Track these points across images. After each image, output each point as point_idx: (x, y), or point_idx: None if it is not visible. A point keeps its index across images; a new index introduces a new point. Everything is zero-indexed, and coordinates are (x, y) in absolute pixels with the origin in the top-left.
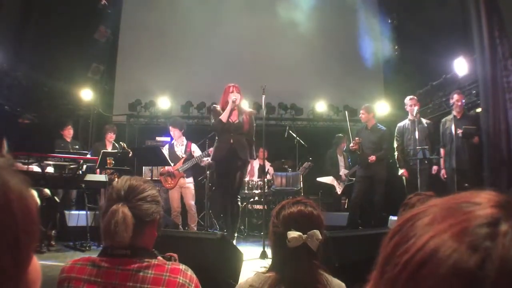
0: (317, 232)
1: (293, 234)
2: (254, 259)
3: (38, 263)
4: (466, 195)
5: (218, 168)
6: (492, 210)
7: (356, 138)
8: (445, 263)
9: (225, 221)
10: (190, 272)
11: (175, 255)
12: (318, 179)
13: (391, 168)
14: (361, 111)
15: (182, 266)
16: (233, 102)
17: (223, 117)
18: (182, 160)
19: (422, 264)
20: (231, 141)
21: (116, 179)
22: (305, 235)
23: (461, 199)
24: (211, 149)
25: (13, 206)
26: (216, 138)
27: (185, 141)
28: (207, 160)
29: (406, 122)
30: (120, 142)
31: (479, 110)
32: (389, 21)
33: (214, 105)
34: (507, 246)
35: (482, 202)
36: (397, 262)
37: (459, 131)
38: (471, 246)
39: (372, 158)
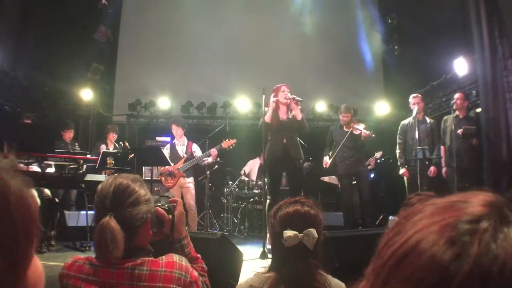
0: (313, 230)
1: (288, 233)
2: (254, 259)
3: (41, 266)
4: (464, 195)
5: (271, 170)
6: (480, 208)
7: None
8: (424, 255)
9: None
10: (184, 261)
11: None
12: (322, 178)
13: (392, 168)
14: (346, 114)
15: (176, 257)
16: (274, 102)
17: (267, 117)
18: (183, 160)
19: (404, 256)
20: (284, 140)
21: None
22: (301, 234)
23: (457, 198)
24: (213, 149)
25: (12, 208)
26: (268, 138)
27: (186, 141)
28: (207, 160)
29: (409, 120)
30: (121, 142)
31: (479, 110)
32: (389, 21)
33: (265, 107)
34: (483, 244)
35: (475, 201)
36: (384, 254)
37: (460, 131)
38: (450, 241)
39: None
